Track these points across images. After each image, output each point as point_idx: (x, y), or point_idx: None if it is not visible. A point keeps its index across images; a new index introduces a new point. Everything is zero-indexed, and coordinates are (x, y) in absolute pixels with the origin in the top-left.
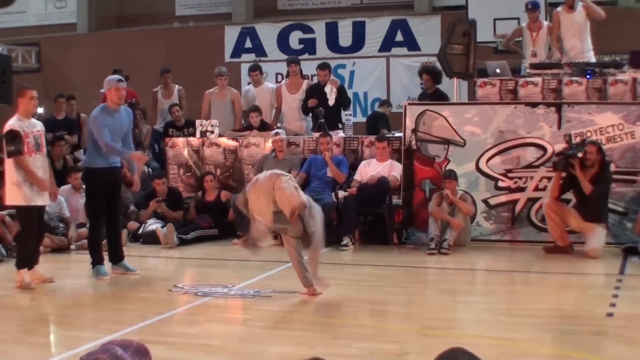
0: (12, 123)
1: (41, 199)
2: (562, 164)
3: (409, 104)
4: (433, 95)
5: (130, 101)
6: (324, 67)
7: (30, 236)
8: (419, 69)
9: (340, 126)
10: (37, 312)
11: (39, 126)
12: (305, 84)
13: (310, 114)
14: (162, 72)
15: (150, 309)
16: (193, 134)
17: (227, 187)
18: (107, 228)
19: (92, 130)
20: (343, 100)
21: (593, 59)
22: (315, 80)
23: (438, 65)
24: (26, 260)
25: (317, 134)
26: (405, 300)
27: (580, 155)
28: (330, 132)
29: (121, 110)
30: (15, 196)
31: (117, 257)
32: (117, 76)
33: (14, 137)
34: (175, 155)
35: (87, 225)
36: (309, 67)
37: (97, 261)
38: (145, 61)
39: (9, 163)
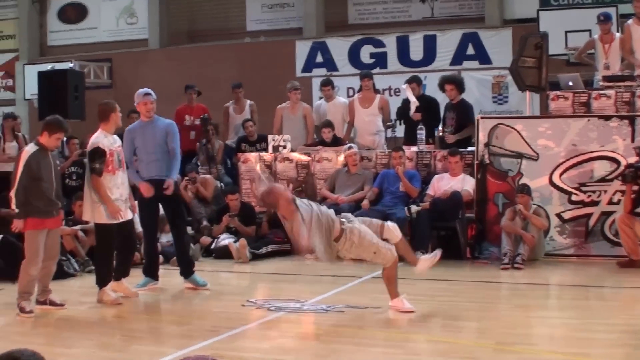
0: (98, 140)
1: (122, 214)
2: (630, 176)
3: (482, 117)
4: (458, 105)
5: (203, 116)
6: (413, 80)
7: (109, 254)
8: (440, 81)
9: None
10: (110, 327)
11: (119, 142)
12: (378, 98)
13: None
14: (233, 87)
15: (223, 324)
16: (265, 149)
17: None
18: (174, 242)
19: None
20: (432, 114)
21: None
22: (387, 94)
23: (457, 75)
24: (107, 277)
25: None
26: (478, 315)
27: None
28: (404, 147)
29: (156, 122)
30: (95, 213)
31: (185, 272)
32: (145, 89)
33: (101, 155)
34: (248, 170)
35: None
36: (380, 81)
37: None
38: (216, 76)
39: (91, 179)
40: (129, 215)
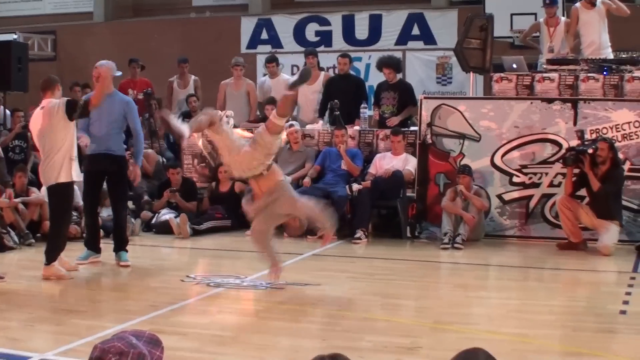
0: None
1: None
2: (570, 160)
3: (425, 97)
4: (398, 85)
5: (146, 90)
6: (345, 55)
7: (67, 219)
8: (377, 64)
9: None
10: (49, 301)
11: None
12: (322, 75)
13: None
14: (179, 62)
15: (163, 299)
16: None
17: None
18: (113, 217)
19: None
20: (360, 93)
21: (611, 56)
22: (331, 72)
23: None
24: (58, 251)
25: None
26: (418, 294)
27: (590, 151)
28: (348, 126)
29: (114, 97)
30: (63, 172)
31: (116, 246)
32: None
33: (73, 105)
34: (190, 146)
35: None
36: (325, 59)
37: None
38: (160, 51)
39: (70, 138)
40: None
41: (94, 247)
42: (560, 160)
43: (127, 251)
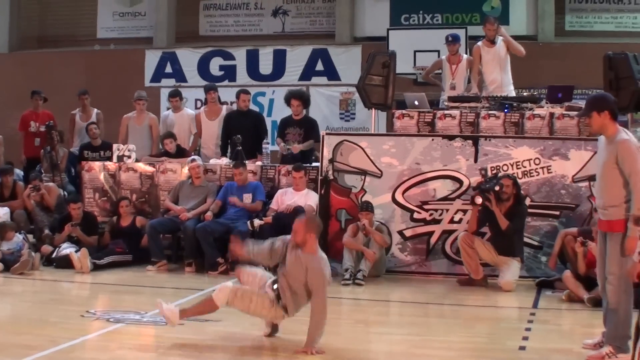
0: None
1: None
2: (480, 199)
3: (327, 133)
4: (304, 121)
5: (48, 123)
6: (246, 92)
7: None
8: (286, 96)
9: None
10: None
11: None
12: (224, 109)
13: (229, 142)
14: (79, 94)
15: (62, 335)
16: (110, 158)
17: (142, 213)
18: None
19: None
20: (260, 128)
21: (513, 93)
22: (234, 107)
23: (304, 90)
24: None
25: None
26: None
27: (496, 188)
28: (248, 161)
29: None
30: None
31: None
32: None
33: None
34: (92, 179)
35: None
36: (229, 93)
37: None
38: (64, 83)
39: None
40: None
41: None
42: (465, 197)
43: None
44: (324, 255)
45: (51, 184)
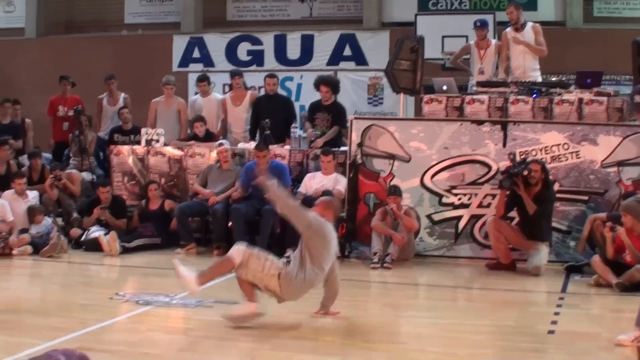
0: None
1: None
2: (507, 183)
3: (355, 118)
4: (332, 106)
5: (76, 108)
6: (272, 76)
7: None
8: (316, 81)
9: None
10: None
11: None
12: (249, 95)
13: (258, 126)
14: (106, 79)
15: (92, 317)
16: (138, 142)
17: (171, 196)
18: None
19: None
20: (289, 113)
21: (539, 79)
22: (262, 92)
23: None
24: None
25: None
26: (347, 313)
27: (525, 173)
28: (277, 145)
29: None
30: None
31: None
32: None
33: None
34: (120, 163)
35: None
36: (256, 78)
37: None
38: (92, 68)
39: None
40: None
41: None
42: (493, 182)
43: None
44: (331, 227)
45: (73, 171)
